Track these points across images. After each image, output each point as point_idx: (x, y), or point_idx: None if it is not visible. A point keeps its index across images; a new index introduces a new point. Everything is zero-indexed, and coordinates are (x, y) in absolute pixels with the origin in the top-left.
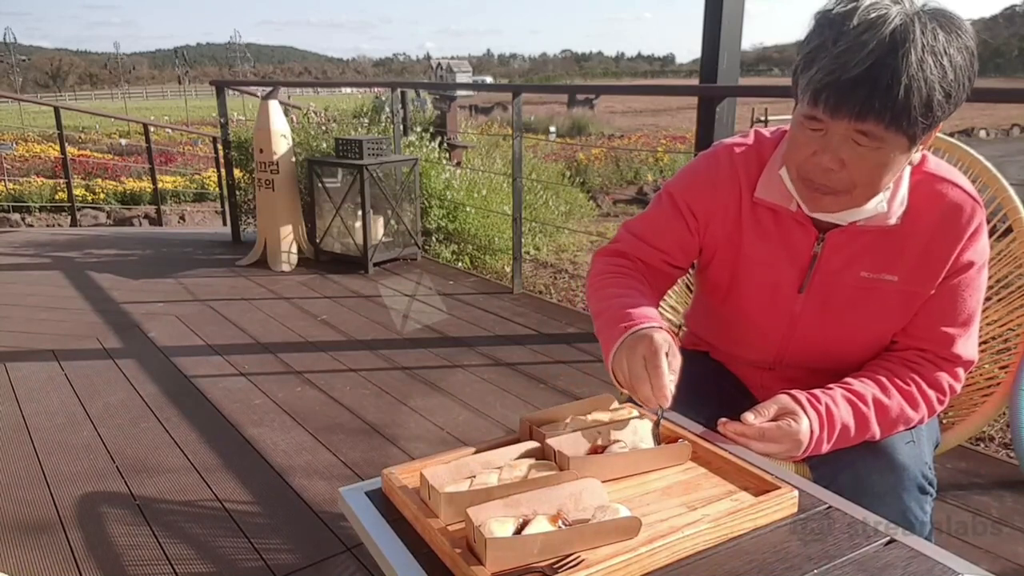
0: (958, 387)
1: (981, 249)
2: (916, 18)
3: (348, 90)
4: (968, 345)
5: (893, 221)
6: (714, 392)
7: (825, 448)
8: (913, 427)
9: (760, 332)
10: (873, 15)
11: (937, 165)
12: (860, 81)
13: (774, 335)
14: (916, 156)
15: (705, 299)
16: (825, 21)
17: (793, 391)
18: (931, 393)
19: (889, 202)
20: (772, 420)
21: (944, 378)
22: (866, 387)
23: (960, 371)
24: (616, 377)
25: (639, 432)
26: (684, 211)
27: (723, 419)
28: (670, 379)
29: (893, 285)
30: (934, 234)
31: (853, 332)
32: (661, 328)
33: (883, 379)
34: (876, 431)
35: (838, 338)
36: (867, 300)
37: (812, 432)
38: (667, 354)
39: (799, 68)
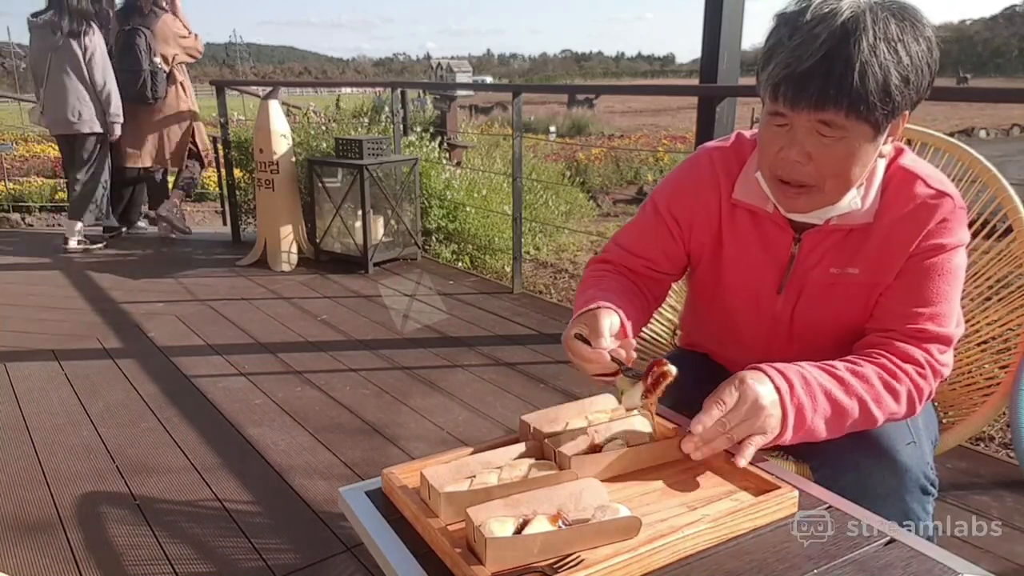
0: (939, 364)
1: (950, 236)
2: (868, 9)
3: (348, 90)
4: (937, 322)
5: (866, 218)
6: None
7: (807, 404)
8: (906, 410)
9: (746, 333)
10: (826, 9)
11: (913, 162)
12: (815, 71)
13: (759, 336)
14: (886, 148)
15: (694, 301)
16: (781, 20)
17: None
18: (907, 367)
19: (863, 199)
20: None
21: (915, 352)
22: (837, 360)
23: (934, 347)
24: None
25: (636, 430)
26: (667, 219)
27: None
28: (591, 347)
29: (855, 277)
30: (897, 226)
31: (827, 328)
32: (593, 310)
33: (852, 356)
34: (864, 397)
35: (816, 334)
36: (835, 295)
37: (779, 388)
38: (595, 323)
39: (759, 67)
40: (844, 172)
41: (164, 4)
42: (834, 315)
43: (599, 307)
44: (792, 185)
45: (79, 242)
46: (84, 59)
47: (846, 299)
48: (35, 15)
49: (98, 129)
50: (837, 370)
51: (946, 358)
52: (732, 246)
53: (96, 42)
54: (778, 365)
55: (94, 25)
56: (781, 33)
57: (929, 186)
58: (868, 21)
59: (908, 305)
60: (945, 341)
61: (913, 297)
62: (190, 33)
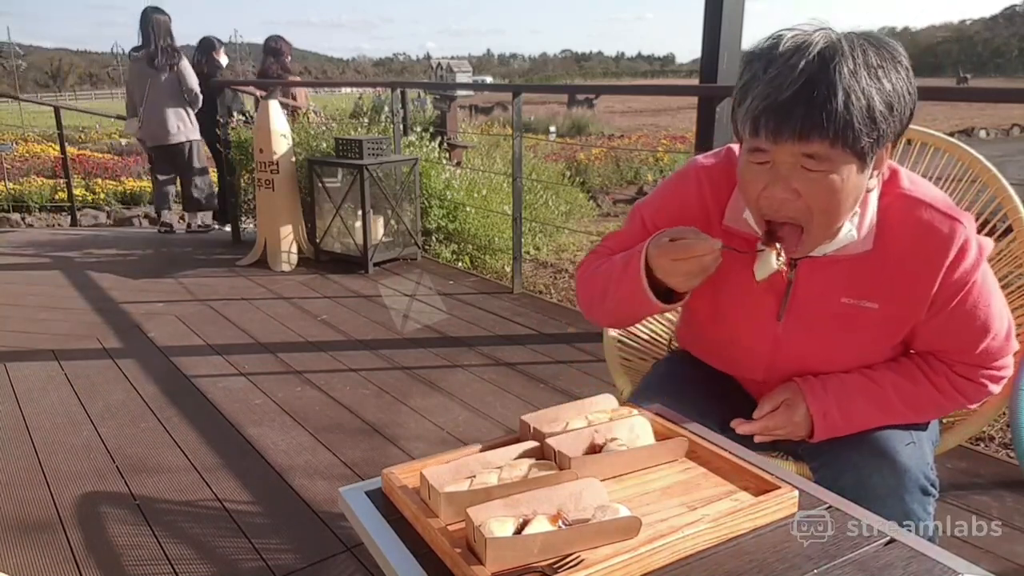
0: (1001, 370)
1: (971, 263)
2: (843, 38)
3: (347, 90)
4: (995, 342)
5: (864, 247)
6: (720, 393)
7: (840, 421)
8: (962, 407)
9: (744, 354)
10: (800, 41)
11: (911, 184)
12: (796, 99)
13: (759, 356)
14: (873, 182)
15: (690, 320)
16: (753, 56)
17: (800, 378)
18: (962, 382)
19: (858, 228)
20: (776, 408)
21: (974, 371)
22: (884, 368)
23: (990, 371)
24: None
25: (636, 430)
26: (652, 233)
27: (735, 420)
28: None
29: (875, 312)
30: (911, 259)
31: (837, 355)
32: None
33: (904, 360)
34: (898, 404)
35: (823, 360)
36: (849, 326)
37: (810, 411)
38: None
39: (735, 104)
40: (833, 207)
41: (289, 67)
42: (846, 345)
43: (661, 231)
44: (784, 223)
45: (199, 226)
46: (180, 84)
47: (862, 331)
48: (135, 50)
49: (194, 137)
50: (878, 386)
51: (1007, 361)
52: (726, 269)
53: (187, 67)
54: (825, 387)
55: (183, 56)
56: (755, 68)
57: (937, 211)
58: (845, 48)
59: (963, 337)
60: (1003, 351)
61: (965, 331)
62: (296, 97)
